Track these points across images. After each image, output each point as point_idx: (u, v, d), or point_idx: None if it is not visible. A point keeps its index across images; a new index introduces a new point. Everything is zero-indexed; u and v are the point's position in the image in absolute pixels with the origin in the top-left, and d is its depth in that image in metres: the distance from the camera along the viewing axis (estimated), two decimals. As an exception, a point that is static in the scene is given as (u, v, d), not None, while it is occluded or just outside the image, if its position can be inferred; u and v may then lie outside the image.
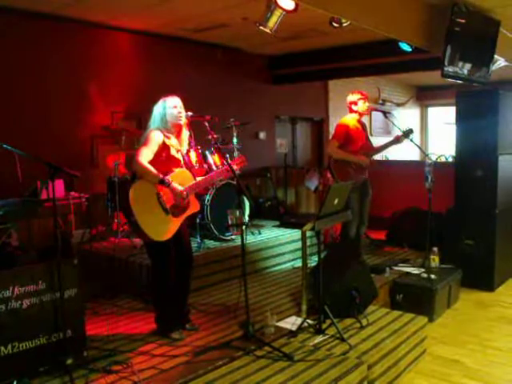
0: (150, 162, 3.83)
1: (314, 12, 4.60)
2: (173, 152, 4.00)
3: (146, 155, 3.82)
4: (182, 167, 4.09)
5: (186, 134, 4.17)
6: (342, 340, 3.92)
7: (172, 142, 4.02)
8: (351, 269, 4.55)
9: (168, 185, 3.82)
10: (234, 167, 4.09)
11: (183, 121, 4.05)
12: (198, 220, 5.89)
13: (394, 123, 6.20)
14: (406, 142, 5.81)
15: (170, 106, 3.98)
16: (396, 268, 5.98)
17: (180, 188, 3.88)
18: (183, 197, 3.91)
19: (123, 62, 7.47)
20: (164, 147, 3.94)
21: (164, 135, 3.95)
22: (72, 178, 3.66)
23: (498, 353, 4.54)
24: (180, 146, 4.13)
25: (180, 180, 3.95)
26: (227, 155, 5.87)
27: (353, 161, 5.70)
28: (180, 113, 4.00)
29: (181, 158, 4.11)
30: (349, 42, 8.14)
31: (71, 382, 3.25)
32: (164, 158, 3.94)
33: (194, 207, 4.10)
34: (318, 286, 4.14)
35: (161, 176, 3.80)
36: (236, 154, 6.58)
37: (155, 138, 3.90)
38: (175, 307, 4.16)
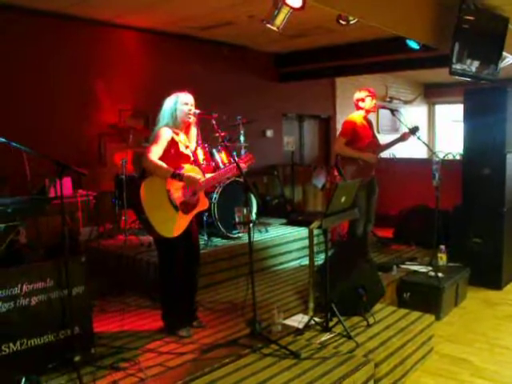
0: (160, 159, 3.84)
1: (321, 10, 4.59)
2: (181, 148, 4.00)
3: (155, 152, 3.83)
4: (191, 164, 4.09)
5: (194, 131, 4.18)
6: (349, 338, 3.92)
7: (181, 138, 4.03)
8: (358, 267, 4.54)
9: (181, 178, 3.83)
10: (242, 165, 4.09)
11: (192, 119, 4.06)
12: (205, 218, 5.90)
13: (401, 121, 6.18)
14: (412, 139, 5.79)
15: (182, 103, 3.98)
16: (403, 266, 5.96)
17: (193, 175, 3.88)
18: (198, 185, 3.92)
19: (130, 59, 7.48)
20: (173, 143, 3.94)
21: (173, 131, 3.96)
22: (80, 175, 3.67)
23: (505, 351, 4.53)
24: (189, 142, 4.14)
25: None
26: (234, 153, 5.88)
27: (360, 158, 5.69)
28: (190, 110, 4.00)
29: (190, 155, 4.11)
30: (356, 40, 8.12)
31: (79, 378, 3.26)
32: (173, 155, 3.94)
33: (203, 204, 4.12)
34: (325, 283, 4.14)
35: (172, 170, 3.81)
36: (243, 151, 6.59)
37: (164, 134, 3.90)
38: (182, 304, 4.16)
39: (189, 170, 3.99)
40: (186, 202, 3.95)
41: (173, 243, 3.93)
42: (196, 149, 5.11)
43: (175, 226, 3.89)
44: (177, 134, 3.99)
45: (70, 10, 6.31)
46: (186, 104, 3.99)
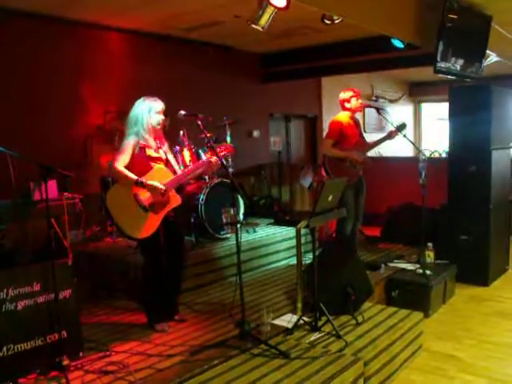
0: (130, 164, 3.96)
1: (305, 9, 4.59)
2: (149, 152, 4.08)
3: (121, 161, 3.95)
4: (165, 164, 4.17)
5: (160, 131, 4.23)
6: (338, 337, 3.92)
7: (149, 142, 4.10)
8: (346, 266, 4.55)
9: (143, 185, 3.91)
10: (214, 158, 4.13)
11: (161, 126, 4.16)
12: (192, 219, 5.88)
13: (387, 119, 6.20)
14: (399, 136, 5.81)
15: (155, 112, 4.06)
16: (391, 264, 5.99)
17: (156, 183, 3.95)
18: (161, 191, 3.98)
19: (115, 61, 7.43)
20: (140, 148, 4.03)
21: (140, 138, 4.03)
22: (65, 178, 3.66)
23: (493, 347, 4.56)
24: (160, 143, 4.20)
25: (158, 177, 4.03)
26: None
27: (347, 158, 5.70)
28: (162, 119, 4.11)
29: (162, 155, 4.18)
30: (341, 39, 8.12)
31: (67, 383, 3.24)
32: (142, 158, 4.04)
33: (174, 201, 4.15)
34: (314, 283, 4.14)
35: (135, 178, 3.90)
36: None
37: (130, 143, 4.01)
38: (161, 302, 4.25)
39: (156, 170, 4.06)
40: (155, 202, 4.01)
41: (152, 243, 4.06)
42: (182, 150, 5.12)
43: (145, 226, 3.99)
44: (144, 140, 4.06)
45: (55, 11, 6.26)
46: (159, 113, 4.08)
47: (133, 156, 3.99)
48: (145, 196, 3.97)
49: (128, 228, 3.97)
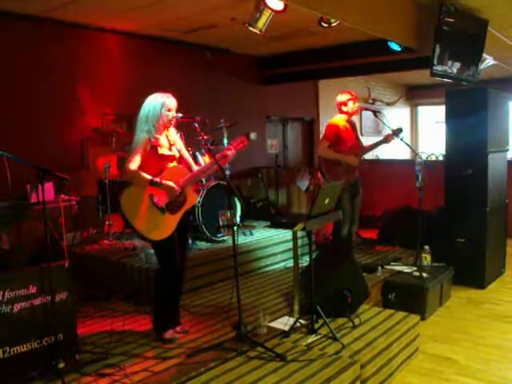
0: (143, 164, 3.84)
1: (302, 12, 4.61)
2: (161, 150, 3.94)
3: (134, 161, 3.81)
4: (178, 162, 4.08)
5: (172, 130, 4.13)
6: (335, 339, 3.92)
7: (161, 141, 3.97)
8: (343, 268, 4.55)
9: (159, 185, 3.81)
10: (232, 151, 4.06)
11: (172, 123, 4.05)
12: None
13: (384, 122, 6.22)
14: (396, 140, 5.83)
15: (167, 108, 3.92)
16: (388, 267, 5.98)
17: (172, 184, 3.86)
18: (176, 193, 3.89)
19: (113, 63, 7.44)
20: (152, 147, 3.90)
21: (151, 136, 3.89)
22: (62, 180, 3.65)
23: (489, 350, 4.56)
24: (172, 141, 4.09)
25: (173, 175, 3.94)
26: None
27: (343, 160, 5.71)
28: (174, 117, 3.98)
29: (175, 154, 4.07)
30: (338, 42, 8.15)
31: (63, 385, 3.24)
32: (154, 158, 3.91)
33: (191, 200, 4.08)
34: (310, 285, 4.15)
35: (150, 178, 3.80)
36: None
37: (141, 142, 3.86)
38: (172, 308, 4.16)
39: (171, 169, 3.97)
40: (172, 202, 3.91)
41: (167, 246, 3.92)
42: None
43: (164, 227, 3.88)
44: (156, 138, 3.92)
45: (55, 13, 6.26)
46: (170, 110, 3.94)
47: (145, 155, 3.86)
48: (160, 197, 3.88)
49: (146, 231, 3.82)
